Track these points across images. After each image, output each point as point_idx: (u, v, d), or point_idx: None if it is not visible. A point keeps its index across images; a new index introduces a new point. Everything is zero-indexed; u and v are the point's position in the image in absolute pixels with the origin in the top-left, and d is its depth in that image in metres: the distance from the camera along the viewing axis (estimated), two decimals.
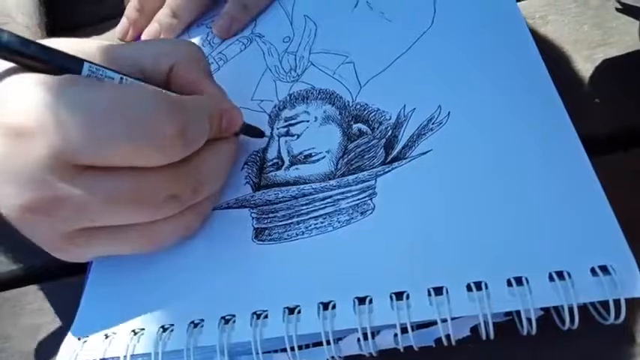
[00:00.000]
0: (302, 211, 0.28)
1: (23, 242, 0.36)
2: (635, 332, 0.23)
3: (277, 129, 0.32)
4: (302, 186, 0.29)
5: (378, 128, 0.30)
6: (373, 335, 0.23)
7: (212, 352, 0.24)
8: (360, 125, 0.30)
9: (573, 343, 0.23)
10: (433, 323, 0.23)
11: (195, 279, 0.27)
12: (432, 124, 0.29)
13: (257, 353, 0.23)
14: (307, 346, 0.24)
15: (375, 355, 0.24)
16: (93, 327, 0.26)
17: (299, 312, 0.24)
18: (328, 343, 0.23)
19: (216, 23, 0.39)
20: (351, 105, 0.31)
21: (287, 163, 0.30)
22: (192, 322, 0.25)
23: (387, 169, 0.28)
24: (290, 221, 0.27)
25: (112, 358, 0.25)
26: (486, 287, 0.22)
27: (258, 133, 0.31)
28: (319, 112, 0.31)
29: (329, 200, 0.28)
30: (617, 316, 0.21)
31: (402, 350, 0.24)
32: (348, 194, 0.27)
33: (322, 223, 0.27)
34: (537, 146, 0.26)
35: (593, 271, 0.22)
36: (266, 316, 0.24)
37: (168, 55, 0.28)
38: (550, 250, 0.23)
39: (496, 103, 0.28)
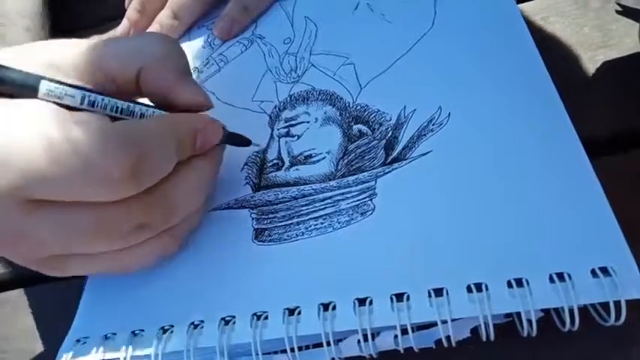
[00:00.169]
0: (302, 212, 0.28)
1: None
2: (636, 334, 0.23)
3: (277, 130, 0.32)
4: (302, 187, 0.29)
5: (378, 129, 0.30)
6: (373, 336, 0.23)
7: (212, 353, 0.24)
8: (360, 126, 0.30)
9: (573, 344, 0.23)
10: (433, 324, 0.23)
11: (194, 280, 0.27)
12: (433, 125, 0.29)
13: (257, 354, 0.23)
14: (307, 348, 0.24)
15: (375, 356, 0.24)
16: (92, 328, 0.26)
17: (299, 313, 0.24)
18: (328, 344, 0.23)
19: (216, 25, 0.39)
20: (351, 106, 0.31)
21: (287, 163, 0.30)
22: (192, 323, 0.25)
23: (387, 170, 0.28)
24: (290, 222, 0.27)
25: (112, 359, 0.25)
26: (487, 288, 0.22)
27: (243, 141, 0.30)
28: (320, 113, 0.31)
29: (329, 201, 0.28)
30: (618, 317, 0.21)
31: (402, 351, 0.24)
32: (348, 195, 0.27)
33: (322, 223, 0.27)
34: (538, 147, 0.26)
35: (593, 272, 0.22)
36: (266, 317, 0.24)
37: (133, 59, 0.26)
38: (550, 251, 0.23)
39: (496, 104, 0.28)
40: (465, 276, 0.23)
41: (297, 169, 0.30)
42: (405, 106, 0.30)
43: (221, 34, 0.39)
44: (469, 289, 0.22)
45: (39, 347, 0.31)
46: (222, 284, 0.26)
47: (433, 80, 0.31)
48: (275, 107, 0.33)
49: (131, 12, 0.42)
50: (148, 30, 0.41)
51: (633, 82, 0.32)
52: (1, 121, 0.22)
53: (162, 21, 0.41)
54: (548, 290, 0.22)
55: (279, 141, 0.31)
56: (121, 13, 0.42)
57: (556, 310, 0.23)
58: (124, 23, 0.42)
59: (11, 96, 0.23)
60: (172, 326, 0.25)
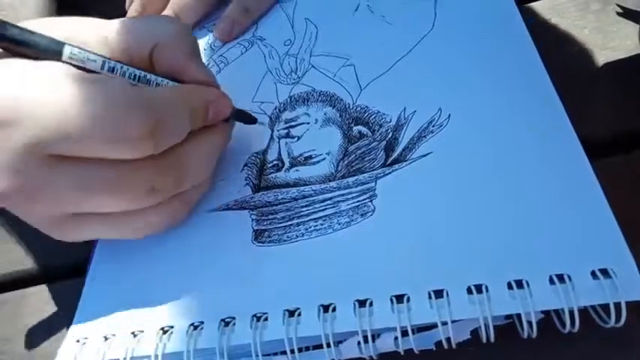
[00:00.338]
0: (302, 213, 0.28)
1: (23, 244, 0.37)
2: (636, 335, 0.23)
3: (278, 131, 0.32)
4: (302, 188, 0.29)
5: (378, 130, 0.30)
6: (373, 338, 0.23)
7: (212, 354, 0.24)
8: (360, 127, 0.30)
9: (574, 346, 0.23)
10: (434, 326, 0.23)
11: (194, 281, 0.27)
12: (433, 126, 0.29)
13: (257, 356, 0.23)
14: (307, 349, 0.24)
15: (375, 358, 0.24)
16: (92, 329, 0.26)
17: (299, 314, 0.24)
18: (328, 345, 0.23)
19: (217, 26, 0.39)
20: (351, 107, 0.31)
21: (287, 164, 0.30)
22: (192, 324, 0.25)
23: (387, 172, 0.28)
24: (290, 223, 0.27)
25: None
26: (487, 290, 0.22)
27: (250, 119, 0.31)
28: (320, 114, 0.32)
29: (329, 202, 0.28)
30: (618, 319, 0.21)
31: (402, 353, 0.24)
32: (348, 196, 0.27)
33: (322, 224, 0.27)
34: (537, 149, 0.26)
35: (593, 274, 0.22)
36: (266, 319, 0.24)
37: (149, 35, 0.28)
38: (550, 252, 0.23)
39: (496, 106, 0.28)
40: (465, 277, 0.23)
41: (297, 170, 0.29)
42: (405, 108, 0.30)
43: (221, 35, 0.39)
44: (469, 291, 0.22)
45: (39, 347, 0.31)
46: (222, 285, 0.26)
47: (433, 82, 0.31)
48: (275, 108, 0.33)
49: (132, 13, 0.42)
50: None
51: (633, 84, 0.32)
52: (27, 78, 0.23)
53: None
54: (549, 292, 0.22)
55: (279, 142, 0.31)
56: (121, 14, 0.42)
57: (556, 311, 0.23)
58: None
59: (36, 59, 0.24)
60: (172, 327, 0.25)
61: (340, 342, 0.24)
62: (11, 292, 0.35)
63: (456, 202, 0.26)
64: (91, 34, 0.27)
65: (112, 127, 0.23)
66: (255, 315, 0.24)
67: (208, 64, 0.38)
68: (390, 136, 0.29)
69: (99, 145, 0.23)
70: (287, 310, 0.24)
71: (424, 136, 0.28)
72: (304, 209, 0.28)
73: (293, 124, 0.32)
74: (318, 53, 0.35)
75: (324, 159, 0.29)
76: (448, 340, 0.23)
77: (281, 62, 0.35)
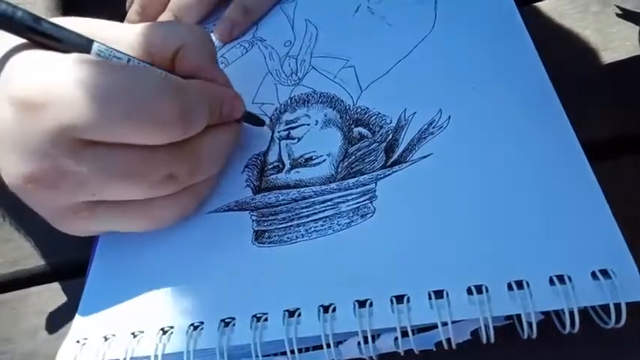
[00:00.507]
0: (302, 214, 0.28)
1: (24, 244, 0.37)
2: (637, 336, 0.23)
3: (278, 132, 0.32)
4: (302, 189, 0.29)
5: (378, 132, 0.30)
6: (373, 339, 0.23)
7: (212, 354, 0.24)
8: (360, 129, 0.30)
9: (574, 346, 0.23)
10: (434, 327, 0.23)
11: (194, 281, 0.27)
12: (433, 127, 0.29)
13: (257, 356, 0.23)
14: (307, 349, 0.24)
15: (375, 358, 0.24)
16: (92, 329, 0.26)
17: (299, 315, 0.24)
18: (328, 346, 0.23)
19: (217, 27, 0.39)
20: (351, 109, 0.31)
21: (288, 166, 0.30)
22: (192, 324, 0.25)
23: (387, 173, 0.28)
24: (290, 224, 0.27)
25: None
26: (487, 291, 0.22)
27: (259, 121, 0.32)
28: (320, 115, 0.32)
29: (329, 203, 0.28)
30: (618, 320, 0.21)
31: (402, 354, 0.24)
32: (349, 197, 0.28)
33: (322, 226, 0.27)
34: (538, 150, 0.26)
35: (593, 275, 0.22)
36: (266, 319, 0.24)
37: (174, 37, 0.29)
38: (551, 253, 0.23)
39: (497, 107, 0.28)
40: (465, 278, 0.23)
41: (297, 172, 0.30)
42: (405, 109, 0.30)
43: (221, 36, 0.39)
44: (469, 291, 0.22)
45: (39, 347, 0.31)
46: (222, 286, 0.26)
47: (433, 83, 0.31)
48: (275, 109, 0.33)
49: (132, 14, 0.42)
50: None
51: (633, 86, 0.32)
52: (58, 64, 0.24)
53: None
54: (549, 292, 0.22)
55: (279, 143, 0.31)
56: (122, 15, 0.42)
57: (556, 312, 0.23)
58: None
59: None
60: (172, 327, 0.25)
61: (340, 342, 0.24)
62: (12, 291, 0.35)
63: (456, 203, 0.26)
64: (112, 35, 0.27)
65: (145, 110, 0.24)
66: (255, 315, 0.24)
67: None
68: (390, 137, 0.29)
69: (130, 129, 0.24)
70: (287, 311, 0.24)
71: (424, 138, 0.28)
72: (304, 210, 0.28)
73: (293, 125, 0.32)
74: (318, 54, 0.35)
75: (324, 160, 0.29)
76: (448, 340, 0.23)
77: (281, 63, 0.35)
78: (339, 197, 0.28)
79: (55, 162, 0.23)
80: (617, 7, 0.35)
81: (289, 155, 0.30)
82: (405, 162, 0.28)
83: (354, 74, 0.33)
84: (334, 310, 0.23)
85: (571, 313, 0.21)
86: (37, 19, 0.24)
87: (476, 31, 0.33)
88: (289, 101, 0.33)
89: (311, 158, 0.30)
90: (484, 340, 0.23)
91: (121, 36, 0.28)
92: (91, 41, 0.25)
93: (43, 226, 0.27)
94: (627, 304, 0.21)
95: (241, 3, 0.39)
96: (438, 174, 0.27)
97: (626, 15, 0.35)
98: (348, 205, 0.27)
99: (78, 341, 0.26)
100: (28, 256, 0.36)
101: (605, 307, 0.21)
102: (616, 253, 0.22)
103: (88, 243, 0.30)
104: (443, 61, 0.32)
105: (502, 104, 0.28)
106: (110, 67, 0.24)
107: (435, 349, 0.24)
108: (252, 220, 0.28)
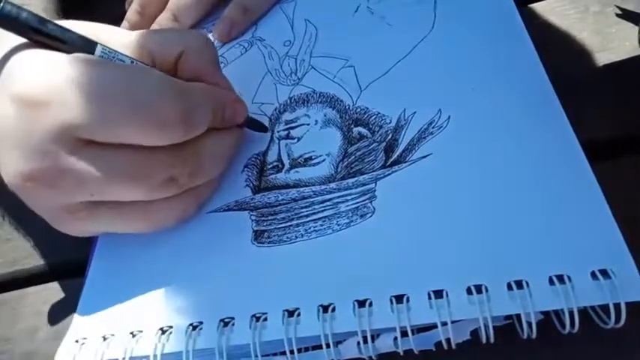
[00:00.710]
0: (302, 214, 0.28)
1: (23, 244, 0.37)
2: (636, 336, 0.23)
3: (278, 132, 0.32)
4: (302, 189, 0.29)
5: (378, 132, 0.30)
6: (373, 338, 0.23)
7: (211, 354, 0.24)
8: (360, 129, 0.30)
9: (573, 346, 0.23)
10: (433, 326, 0.23)
11: (194, 281, 0.27)
12: (432, 127, 0.29)
13: (256, 356, 0.23)
14: (307, 349, 0.24)
15: (374, 358, 0.24)
16: (91, 329, 0.26)
17: (298, 315, 0.24)
18: (328, 346, 0.23)
19: (216, 27, 0.39)
20: (351, 108, 0.31)
21: (287, 166, 0.30)
22: (191, 324, 0.25)
23: (387, 173, 0.28)
24: (289, 224, 0.27)
25: None
26: (486, 290, 0.22)
27: (261, 127, 0.32)
28: (320, 115, 0.32)
29: (329, 203, 0.28)
30: (618, 320, 0.21)
31: (402, 354, 0.24)
32: (348, 197, 0.27)
33: (322, 225, 0.27)
34: (537, 151, 0.26)
35: (593, 274, 0.22)
36: (265, 319, 0.24)
37: (177, 42, 0.29)
38: (550, 253, 0.23)
39: (496, 107, 0.28)
40: (464, 278, 0.23)
41: (297, 172, 0.30)
42: (405, 109, 0.30)
43: (220, 36, 0.39)
44: (469, 291, 0.22)
45: (38, 347, 0.31)
46: (221, 285, 0.26)
47: (433, 83, 0.31)
48: (275, 109, 0.33)
49: (131, 14, 0.42)
50: None
51: (633, 86, 0.32)
52: (61, 64, 0.24)
53: (162, 23, 0.40)
54: (548, 292, 0.22)
55: (279, 143, 0.31)
56: (122, 15, 0.42)
57: (556, 312, 0.23)
58: (124, 25, 0.42)
59: None
60: (171, 327, 0.25)
61: (340, 342, 0.24)
62: (11, 291, 0.35)
63: (456, 203, 0.26)
64: (115, 39, 0.27)
65: (147, 111, 0.24)
66: (254, 315, 0.24)
67: None
68: (389, 137, 0.29)
69: (131, 129, 0.24)
70: (286, 311, 0.24)
71: (424, 138, 0.28)
72: (304, 210, 0.28)
73: (293, 125, 0.32)
74: (317, 54, 0.35)
75: (323, 160, 0.29)
76: (448, 340, 0.23)
77: (281, 63, 0.35)
78: (339, 197, 0.28)
79: (55, 161, 0.23)
80: (617, 7, 0.35)
81: (289, 155, 0.30)
82: (405, 162, 0.28)
83: (353, 74, 0.33)
84: (334, 309, 0.23)
85: (571, 313, 0.21)
86: (42, 20, 0.25)
87: (476, 31, 0.33)
88: (289, 101, 0.33)
89: (310, 158, 0.30)
90: (484, 340, 0.23)
91: (123, 40, 0.28)
92: (94, 43, 0.26)
93: (42, 225, 0.27)
94: (627, 304, 0.21)
95: (240, 2, 0.39)
96: (437, 174, 0.27)
97: (626, 15, 0.35)
98: (348, 205, 0.27)
99: (77, 341, 0.26)
100: (28, 256, 0.36)
101: (605, 307, 0.21)
102: (616, 253, 0.22)
103: (87, 243, 0.30)
104: (442, 61, 0.32)
105: (502, 104, 0.28)
106: (113, 68, 0.24)
107: (434, 349, 0.23)
108: (252, 220, 0.28)
